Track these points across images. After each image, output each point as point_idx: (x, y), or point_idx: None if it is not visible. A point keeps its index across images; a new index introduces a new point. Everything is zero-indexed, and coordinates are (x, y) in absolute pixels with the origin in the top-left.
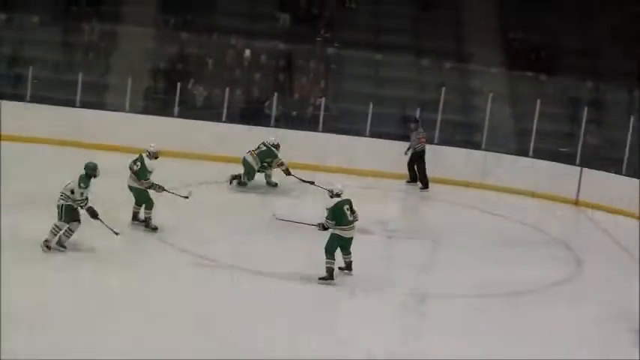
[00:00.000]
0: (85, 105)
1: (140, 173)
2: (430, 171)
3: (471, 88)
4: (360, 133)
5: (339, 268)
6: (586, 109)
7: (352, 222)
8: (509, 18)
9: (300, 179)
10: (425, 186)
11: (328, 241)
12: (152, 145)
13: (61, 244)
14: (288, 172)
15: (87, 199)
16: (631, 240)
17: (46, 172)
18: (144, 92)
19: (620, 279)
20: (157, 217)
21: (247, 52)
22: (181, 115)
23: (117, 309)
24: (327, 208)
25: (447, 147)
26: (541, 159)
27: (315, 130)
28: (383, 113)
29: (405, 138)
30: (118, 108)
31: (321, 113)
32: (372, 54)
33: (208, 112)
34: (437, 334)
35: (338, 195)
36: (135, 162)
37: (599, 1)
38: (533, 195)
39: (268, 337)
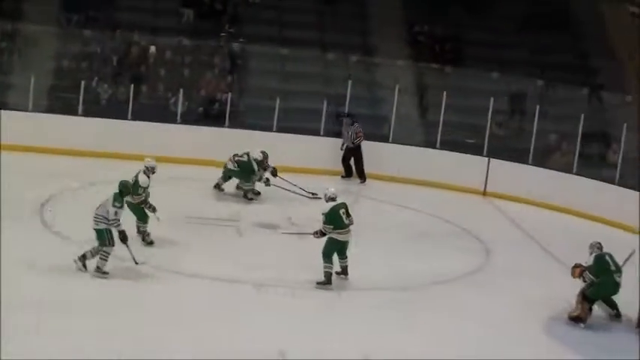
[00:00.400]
0: None
1: (133, 189)
2: (337, 165)
3: (377, 81)
4: (267, 128)
5: (336, 273)
6: (492, 99)
7: (348, 225)
8: (413, 11)
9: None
10: (364, 180)
11: (325, 245)
12: (148, 159)
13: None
14: (267, 183)
15: (119, 219)
16: (539, 230)
17: None
18: (47, 91)
19: (531, 268)
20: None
21: (152, 49)
22: (86, 114)
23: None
24: (322, 213)
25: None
26: (448, 150)
27: (222, 125)
28: (290, 108)
29: (313, 132)
30: (21, 107)
31: (228, 109)
32: (278, 49)
33: (114, 109)
34: (357, 329)
35: (332, 199)
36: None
37: None
38: (441, 187)
39: (184, 337)
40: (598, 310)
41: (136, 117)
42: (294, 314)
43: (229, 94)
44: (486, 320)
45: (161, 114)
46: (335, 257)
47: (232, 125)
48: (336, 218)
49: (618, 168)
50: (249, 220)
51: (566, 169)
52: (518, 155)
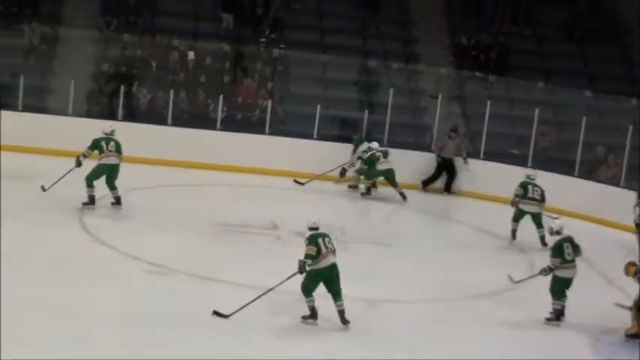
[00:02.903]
0: (27, 109)
1: None
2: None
3: (419, 89)
4: (307, 135)
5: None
6: (537, 110)
7: (572, 261)
8: (457, 19)
9: None
10: (449, 192)
11: (551, 282)
12: None
13: None
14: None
15: None
16: (584, 244)
17: None
18: (87, 95)
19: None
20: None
21: (191, 54)
22: (126, 119)
23: (71, 317)
24: (550, 248)
25: (396, 149)
26: (492, 161)
27: (262, 133)
28: (330, 115)
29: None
30: (61, 112)
31: (268, 116)
32: (319, 55)
33: (153, 115)
34: (395, 339)
35: (558, 233)
36: None
37: (548, 2)
38: (484, 198)
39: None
40: None
41: (176, 123)
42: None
43: (270, 101)
44: (521, 338)
45: (201, 120)
46: None
47: (272, 132)
48: (560, 253)
49: None
50: (288, 228)
51: (614, 182)
52: (563, 166)
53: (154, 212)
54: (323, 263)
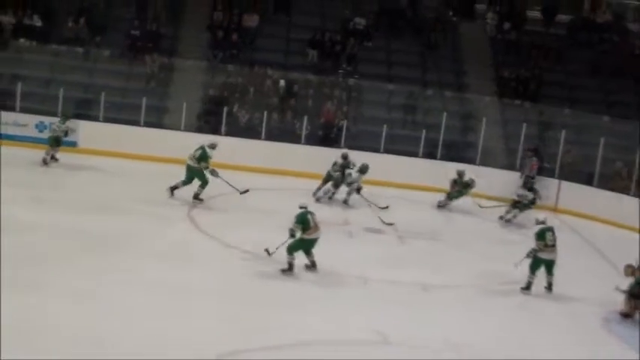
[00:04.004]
0: (147, 124)
1: None
2: (433, 182)
3: (467, 113)
4: (375, 150)
5: (544, 287)
6: (564, 132)
7: (553, 245)
8: (501, 56)
9: None
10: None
11: (532, 261)
12: None
13: None
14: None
15: None
16: (597, 239)
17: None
18: (196, 114)
19: (589, 272)
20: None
21: (282, 82)
22: (227, 134)
23: (174, 297)
24: (535, 233)
25: (446, 162)
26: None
27: (338, 147)
28: (394, 134)
29: (413, 154)
30: (175, 127)
31: (343, 133)
32: (386, 84)
33: (250, 131)
34: (441, 319)
35: (543, 222)
36: None
37: (577, 42)
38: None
39: (296, 323)
40: None
41: (268, 138)
42: (393, 304)
43: (345, 121)
44: (540, 316)
45: (288, 136)
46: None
47: (347, 147)
48: (543, 237)
49: None
50: (359, 225)
51: (625, 191)
52: (584, 178)
53: (249, 210)
54: (312, 236)
